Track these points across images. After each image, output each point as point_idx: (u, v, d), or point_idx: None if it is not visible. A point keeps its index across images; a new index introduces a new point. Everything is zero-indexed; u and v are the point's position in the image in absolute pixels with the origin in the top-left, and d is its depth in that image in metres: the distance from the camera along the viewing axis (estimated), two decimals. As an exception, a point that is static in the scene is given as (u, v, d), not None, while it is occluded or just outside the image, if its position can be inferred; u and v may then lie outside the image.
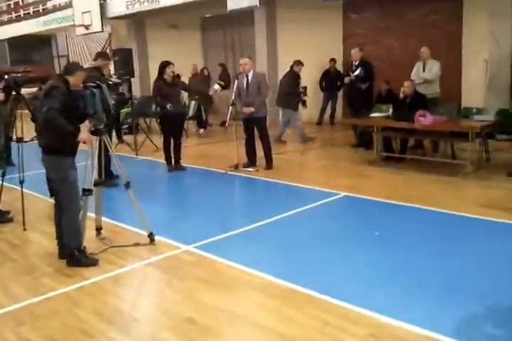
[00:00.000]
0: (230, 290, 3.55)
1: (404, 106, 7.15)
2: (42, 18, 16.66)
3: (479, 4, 9.39)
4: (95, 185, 4.42)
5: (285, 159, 8.02)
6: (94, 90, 4.04)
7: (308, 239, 4.44)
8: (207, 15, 15.31)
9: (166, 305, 3.44)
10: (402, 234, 4.47)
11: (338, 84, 11.46)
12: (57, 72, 19.67)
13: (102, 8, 13.79)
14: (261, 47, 11.92)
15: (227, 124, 7.02)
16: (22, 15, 18.00)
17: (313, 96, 12.05)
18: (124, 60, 8.76)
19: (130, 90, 9.73)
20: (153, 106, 11.02)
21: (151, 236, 4.45)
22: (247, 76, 7.11)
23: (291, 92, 9.23)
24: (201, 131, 11.05)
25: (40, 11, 16.86)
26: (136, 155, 8.89)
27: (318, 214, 5.18)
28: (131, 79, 9.22)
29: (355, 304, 3.19)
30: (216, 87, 7.13)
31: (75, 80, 3.95)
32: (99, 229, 4.73)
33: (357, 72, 8.25)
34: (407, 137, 7.20)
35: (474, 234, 4.48)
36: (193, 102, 10.87)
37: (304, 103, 9.41)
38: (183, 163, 7.70)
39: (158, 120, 7.38)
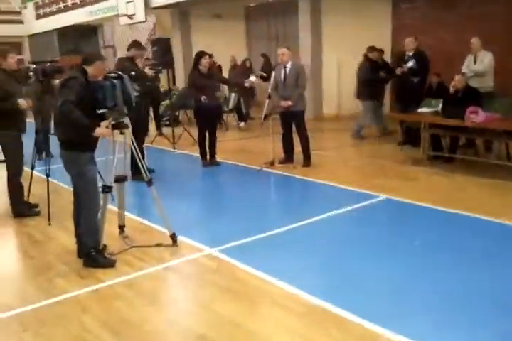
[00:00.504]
0: (250, 303, 3.23)
1: (455, 101, 6.60)
2: (88, 8, 16.74)
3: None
4: (116, 181, 4.19)
5: (325, 156, 7.62)
6: (115, 81, 3.78)
7: (341, 247, 4.07)
8: (251, 5, 14.99)
9: (178, 317, 3.17)
10: (447, 246, 4.02)
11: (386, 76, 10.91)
12: (104, 62, 19.87)
13: (146, -3, 13.64)
14: (305, 40, 11.46)
15: (262, 119, 6.68)
16: (69, 5, 18.18)
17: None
18: (163, 50, 8.56)
19: (173, 81, 9.54)
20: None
21: (173, 237, 4.19)
22: (284, 67, 6.74)
23: (368, 82, 8.71)
24: (241, 124, 10.77)
25: (87, 0, 16.94)
26: (174, 148, 8.70)
27: (355, 218, 4.79)
28: (174, 70, 9.01)
29: (393, 330, 2.79)
30: (253, 78, 6.78)
31: (94, 71, 3.71)
32: (122, 227, 4.51)
33: (410, 64, 7.69)
34: (457, 135, 6.66)
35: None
36: (232, 94, 10.60)
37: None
38: (219, 157, 7.44)
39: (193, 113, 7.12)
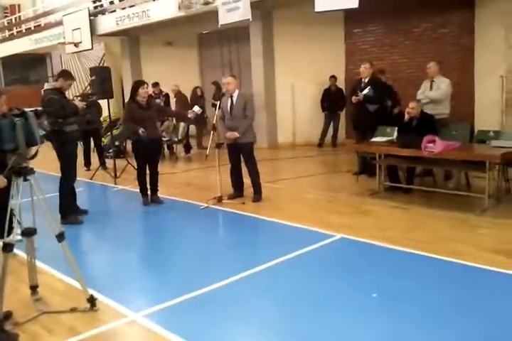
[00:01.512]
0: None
1: (410, 129, 6.26)
2: (33, 36, 16.10)
3: (493, 16, 8.58)
4: (23, 234, 3.55)
5: (277, 188, 7.13)
6: (16, 119, 3.20)
7: (290, 304, 3.51)
8: (203, 32, 14.66)
9: None
10: (407, 296, 3.51)
11: (340, 103, 10.67)
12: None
13: (92, 24, 13.13)
14: (257, 66, 11.13)
15: (207, 152, 6.16)
16: (15, 34, 17.47)
17: (314, 116, 11.26)
18: (102, 79, 7.99)
19: (108, 112, 8.97)
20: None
21: (91, 299, 3.55)
22: (231, 97, 6.28)
23: None
24: (188, 155, 10.29)
25: (32, 28, 16.30)
26: (115, 183, 8.05)
27: (308, 264, 4.25)
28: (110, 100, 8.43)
29: None
30: (196, 108, 6.27)
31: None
32: (34, 287, 3.83)
33: (366, 91, 7.34)
34: (413, 165, 6.28)
35: (498, 292, 3.52)
36: (182, 124, 10.09)
37: None
38: (163, 193, 6.87)
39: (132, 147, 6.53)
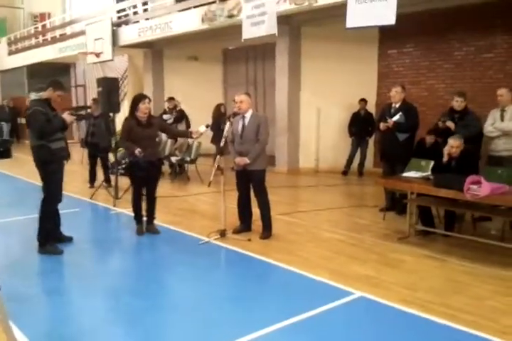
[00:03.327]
0: None
1: (449, 165, 5.36)
2: (58, 45, 15.78)
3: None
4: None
5: (292, 223, 6.28)
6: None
7: None
8: (229, 48, 14.05)
9: None
10: None
11: (370, 129, 9.80)
12: (74, 103, 18.68)
13: (114, 35, 12.65)
14: (281, 84, 10.37)
15: (211, 178, 5.36)
16: (41, 42, 17.21)
17: (339, 141, 10.43)
18: (109, 90, 7.33)
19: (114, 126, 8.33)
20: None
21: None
22: (243, 118, 5.50)
23: None
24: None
25: (57, 36, 15.98)
26: (114, 205, 7.31)
27: (316, 332, 3.36)
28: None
29: None
30: (202, 128, 5.49)
31: None
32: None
33: (396, 118, 6.45)
34: (451, 208, 5.34)
35: None
36: (195, 143, 9.37)
37: None
38: (161, 221, 6.12)
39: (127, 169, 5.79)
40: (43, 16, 19.65)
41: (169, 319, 3.61)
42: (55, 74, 19.07)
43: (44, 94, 4.98)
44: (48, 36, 16.74)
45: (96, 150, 8.73)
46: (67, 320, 3.62)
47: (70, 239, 5.52)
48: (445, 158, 5.36)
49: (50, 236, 5.19)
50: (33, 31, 18.04)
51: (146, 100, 5.46)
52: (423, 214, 5.58)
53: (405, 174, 5.74)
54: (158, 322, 3.52)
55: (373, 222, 6.24)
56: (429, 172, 5.59)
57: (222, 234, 5.54)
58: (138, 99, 5.48)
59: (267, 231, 5.60)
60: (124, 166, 8.77)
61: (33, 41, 17.80)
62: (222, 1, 9.41)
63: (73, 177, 10.28)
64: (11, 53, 19.33)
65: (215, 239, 5.47)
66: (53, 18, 18.05)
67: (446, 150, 5.40)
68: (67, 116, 4.96)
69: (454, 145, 5.27)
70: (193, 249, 5.25)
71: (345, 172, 10.12)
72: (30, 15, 20.68)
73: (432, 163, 6.02)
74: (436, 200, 5.25)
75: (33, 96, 4.96)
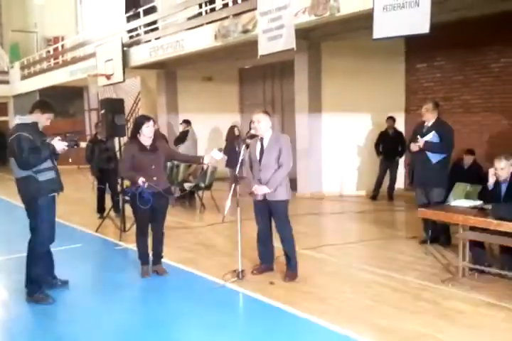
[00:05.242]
0: None
1: (496, 194, 4.55)
2: (69, 68, 15.38)
3: None
4: None
5: (319, 260, 5.47)
6: None
7: None
8: (245, 67, 13.46)
9: None
10: None
11: (399, 149, 9.00)
12: (87, 127, 18.20)
13: (125, 56, 12.12)
14: (301, 102, 9.66)
15: (225, 212, 4.60)
16: (52, 65, 16.87)
17: (366, 163, 9.64)
18: (113, 113, 6.67)
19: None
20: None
21: None
22: (261, 140, 4.76)
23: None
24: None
25: (68, 59, 15.61)
26: (120, 240, 6.57)
27: None
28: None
29: None
30: (215, 154, 4.73)
31: None
32: None
33: (429, 138, 5.66)
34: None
35: None
36: (210, 168, 8.64)
37: None
38: (170, 258, 5.36)
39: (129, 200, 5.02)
40: (56, 40, 19.39)
41: None
42: (67, 98, 18.77)
43: (30, 118, 4.30)
44: (60, 59, 16.38)
45: (110, 177, 7.98)
46: None
47: (65, 284, 4.78)
48: (490, 181, 4.59)
49: (41, 282, 4.45)
50: (44, 55, 17.72)
51: (150, 122, 4.75)
52: (476, 250, 4.72)
53: (453, 203, 4.89)
54: None
55: (415, 258, 5.37)
56: (481, 201, 4.76)
57: (240, 275, 4.74)
58: (141, 122, 4.77)
59: (292, 272, 4.79)
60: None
61: (45, 65, 17.48)
62: (236, 15, 8.79)
63: (80, 207, 9.62)
64: (23, 78, 19.05)
65: (232, 282, 4.68)
66: (65, 40, 17.73)
67: (491, 172, 4.62)
68: (57, 143, 4.27)
69: (498, 166, 4.51)
70: (206, 296, 4.46)
71: (374, 197, 9.27)
72: (43, 39, 20.48)
73: (479, 188, 5.22)
74: (494, 235, 4.40)
75: (18, 120, 4.28)
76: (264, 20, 8.08)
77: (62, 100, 18.50)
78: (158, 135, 5.66)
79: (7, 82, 20.40)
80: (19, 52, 20.13)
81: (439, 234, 5.79)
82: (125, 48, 12.20)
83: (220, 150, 4.83)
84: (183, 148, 9.93)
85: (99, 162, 8.06)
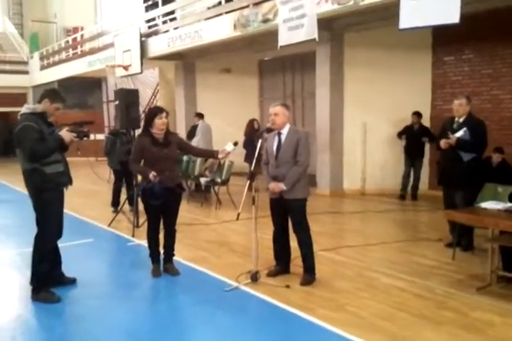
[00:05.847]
0: None
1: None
2: (87, 58, 15.26)
3: None
4: None
5: (338, 262, 5.19)
6: None
7: None
8: (265, 59, 13.16)
9: None
10: None
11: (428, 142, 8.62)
12: (106, 119, 18.04)
13: (143, 46, 11.94)
14: (322, 96, 9.34)
15: (239, 210, 4.37)
16: (71, 56, 16.78)
17: (388, 160, 9.31)
18: (127, 104, 6.47)
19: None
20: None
21: None
22: (279, 134, 4.49)
23: None
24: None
25: (87, 50, 15.49)
26: (133, 236, 6.38)
27: None
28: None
29: None
30: (229, 147, 4.51)
31: None
32: None
33: (460, 134, 5.30)
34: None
35: None
36: (227, 162, 8.41)
37: None
38: (182, 256, 5.15)
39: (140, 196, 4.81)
40: (76, 30, 19.35)
41: None
42: (86, 89, 18.68)
43: (38, 107, 4.11)
44: (78, 49, 16.28)
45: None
46: None
47: (72, 281, 4.62)
48: None
49: (47, 279, 4.28)
50: (63, 45, 17.65)
51: (163, 114, 4.52)
52: (507, 256, 4.41)
53: (484, 205, 4.57)
54: None
55: (440, 263, 5.06)
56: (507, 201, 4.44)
57: (254, 277, 4.51)
58: (153, 113, 4.54)
59: (309, 276, 4.54)
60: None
61: (64, 55, 17.41)
62: (256, 4, 8.50)
63: (94, 199, 9.49)
64: (42, 68, 19.03)
65: (245, 284, 4.44)
66: (84, 30, 17.64)
67: None
68: (65, 134, 4.07)
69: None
70: (217, 298, 4.23)
71: (403, 196, 8.85)
72: (63, 30, 20.45)
73: (510, 189, 4.92)
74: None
75: (25, 109, 4.08)
76: (285, 9, 7.80)
77: (80, 91, 18.46)
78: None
79: (27, 72, 20.42)
80: (39, 42, 20.13)
81: (460, 237, 5.47)
82: (143, 38, 12.01)
83: (235, 143, 4.59)
84: (194, 143, 9.68)
85: (120, 154, 7.83)
